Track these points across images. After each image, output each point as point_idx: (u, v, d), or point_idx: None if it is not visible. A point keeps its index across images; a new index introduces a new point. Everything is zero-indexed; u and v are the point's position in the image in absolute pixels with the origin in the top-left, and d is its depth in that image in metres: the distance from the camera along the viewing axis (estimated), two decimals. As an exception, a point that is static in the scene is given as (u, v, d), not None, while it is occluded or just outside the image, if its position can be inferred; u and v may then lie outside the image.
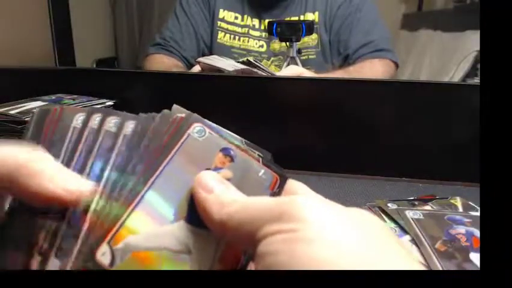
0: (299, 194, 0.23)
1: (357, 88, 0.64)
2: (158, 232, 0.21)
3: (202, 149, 0.23)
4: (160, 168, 0.22)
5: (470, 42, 1.37)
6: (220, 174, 0.22)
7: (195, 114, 0.23)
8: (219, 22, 1.05)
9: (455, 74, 1.35)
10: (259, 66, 0.76)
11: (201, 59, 0.84)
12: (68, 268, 0.20)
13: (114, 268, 0.19)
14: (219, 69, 0.77)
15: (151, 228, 0.21)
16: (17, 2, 1.08)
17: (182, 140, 0.23)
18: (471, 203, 0.50)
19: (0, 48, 0.96)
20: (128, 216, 0.21)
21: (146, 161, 0.22)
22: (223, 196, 0.20)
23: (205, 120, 0.23)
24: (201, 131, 0.23)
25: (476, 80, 1.25)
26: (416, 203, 0.50)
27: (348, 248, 0.16)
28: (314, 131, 0.63)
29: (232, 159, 0.23)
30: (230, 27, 1.05)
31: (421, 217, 0.45)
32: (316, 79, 0.74)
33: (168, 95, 0.65)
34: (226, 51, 1.05)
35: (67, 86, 0.66)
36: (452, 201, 0.51)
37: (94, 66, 1.57)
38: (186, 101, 0.69)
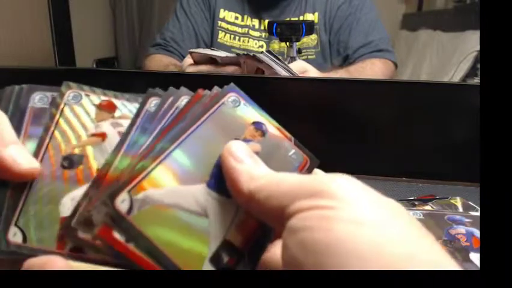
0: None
1: (357, 88, 0.64)
2: (180, 190, 0.21)
3: (234, 119, 0.23)
4: (190, 131, 0.22)
5: (470, 42, 1.37)
6: (249, 145, 0.22)
7: (233, 84, 0.24)
8: (219, 22, 1.06)
9: (455, 74, 1.35)
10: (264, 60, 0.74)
11: (192, 50, 0.83)
12: (84, 212, 0.20)
13: (131, 217, 0.20)
14: (210, 57, 0.77)
15: (173, 185, 0.21)
16: (17, 2, 1.08)
17: (216, 107, 0.23)
18: (471, 203, 0.50)
19: (0, 48, 0.96)
20: (153, 169, 0.21)
21: (176, 123, 0.22)
22: (253, 168, 0.20)
23: (242, 92, 0.24)
24: (236, 101, 0.24)
25: (476, 80, 1.25)
26: (416, 203, 0.50)
27: (391, 234, 0.16)
28: (314, 131, 0.63)
29: (263, 134, 0.23)
30: (230, 27, 1.06)
31: (421, 217, 0.45)
32: (316, 79, 0.74)
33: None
34: (226, 51, 1.05)
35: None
36: (452, 201, 0.51)
37: (94, 66, 1.57)
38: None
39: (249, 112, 0.23)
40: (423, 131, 0.62)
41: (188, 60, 0.85)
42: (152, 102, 0.24)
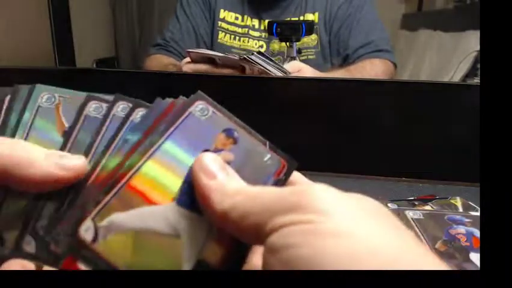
0: (301, 184, 0.22)
1: (357, 88, 0.64)
2: (147, 212, 0.20)
3: (203, 128, 0.22)
4: (157, 144, 0.21)
5: (470, 42, 1.37)
6: (220, 156, 0.21)
7: (200, 92, 0.22)
8: (219, 22, 1.06)
9: (455, 74, 1.35)
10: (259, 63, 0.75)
11: (190, 49, 0.83)
12: (52, 247, 0.19)
13: (96, 246, 0.19)
14: (209, 57, 0.77)
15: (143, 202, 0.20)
16: (17, 2, 1.08)
17: (182, 118, 0.22)
18: (471, 203, 0.50)
19: (0, 48, 0.96)
20: (120, 188, 0.20)
21: (144, 136, 0.21)
22: (226, 184, 0.19)
23: (210, 99, 0.22)
24: (204, 110, 0.22)
25: (476, 80, 1.25)
26: (416, 203, 0.50)
27: (371, 243, 0.16)
28: (314, 131, 0.63)
29: (235, 141, 0.22)
30: (230, 27, 1.06)
31: (421, 217, 0.45)
32: (316, 79, 0.74)
33: (168, 95, 0.65)
34: (226, 51, 1.05)
35: (67, 86, 0.66)
36: (452, 201, 0.51)
37: (94, 66, 1.57)
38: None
39: (219, 119, 0.22)
40: (423, 131, 0.62)
41: (186, 59, 0.85)
42: (120, 107, 0.23)
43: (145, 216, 0.20)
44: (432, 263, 0.15)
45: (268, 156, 0.22)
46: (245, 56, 0.72)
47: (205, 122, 0.22)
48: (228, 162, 0.21)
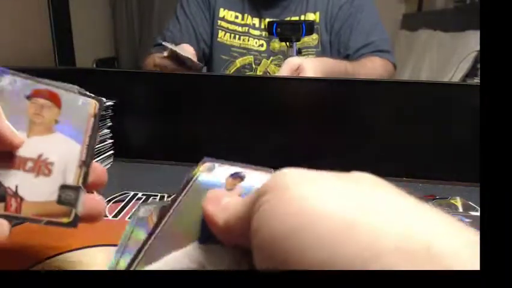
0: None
1: (357, 88, 0.64)
2: (175, 256, 0.21)
3: (212, 184, 0.23)
4: (172, 208, 0.23)
5: (470, 42, 1.37)
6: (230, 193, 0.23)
7: (206, 158, 0.24)
8: (219, 21, 1.06)
9: (455, 74, 1.35)
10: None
11: (166, 43, 0.84)
12: None
13: None
14: (181, 57, 0.77)
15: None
16: (17, 2, 1.08)
17: (191, 183, 0.23)
18: (471, 203, 0.50)
19: (0, 48, 0.96)
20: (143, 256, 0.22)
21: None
22: (227, 203, 0.21)
23: (214, 159, 0.24)
24: (211, 168, 0.24)
25: (476, 80, 1.25)
26: (416, 203, 0.50)
27: (323, 198, 0.16)
28: (314, 131, 0.63)
29: (242, 179, 0.24)
30: (230, 26, 1.06)
31: (421, 217, 0.45)
32: (316, 79, 0.74)
33: (168, 94, 0.65)
34: (226, 50, 1.06)
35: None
36: (452, 201, 0.51)
37: (94, 66, 1.57)
38: (187, 101, 0.69)
39: (226, 169, 0.24)
40: (423, 131, 0.62)
41: (165, 53, 0.85)
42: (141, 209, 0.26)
43: (173, 261, 0.21)
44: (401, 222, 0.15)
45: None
46: (248, 74, 0.72)
47: (214, 177, 0.24)
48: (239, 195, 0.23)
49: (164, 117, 0.65)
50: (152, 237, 0.22)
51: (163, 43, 0.82)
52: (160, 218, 0.22)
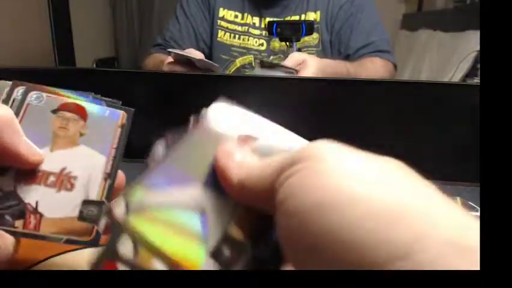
0: None
1: (357, 88, 0.64)
2: (176, 191, 0.21)
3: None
4: (184, 138, 0.23)
5: (470, 42, 1.37)
6: (246, 143, 0.22)
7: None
8: (218, 21, 1.06)
9: (455, 74, 1.35)
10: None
11: (171, 49, 0.84)
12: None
13: (127, 218, 0.20)
14: (188, 60, 0.77)
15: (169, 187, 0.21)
16: (17, 2, 1.08)
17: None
18: (471, 203, 0.50)
19: (0, 48, 0.96)
20: (146, 177, 0.21)
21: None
22: (243, 160, 0.21)
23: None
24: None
25: (476, 80, 1.25)
26: (416, 203, 0.50)
27: (365, 178, 0.15)
28: (313, 131, 0.63)
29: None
30: (230, 25, 1.05)
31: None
32: (316, 79, 0.74)
33: (168, 94, 0.65)
34: (226, 50, 1.06)
35: (67, 86, 0.66)
36: (452, 201, 0.51)
37: (94, 66, 1.57)
38: (187, 100, 0.69)
39: (241, 116, 0.24)
40: (423, 131, 0.62)
41: (169, 59, 0.85)
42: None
43: (174, 196, 0.21)
44: (445, 215, 0.15)
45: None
46: (248, 74, 0.72)
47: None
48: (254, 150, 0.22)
49: (164, 117, 0.65)
50: (158, 164, 0.22)
51: (171, 51, 0.82)
52: (169, 148, 0.22)
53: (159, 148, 0.25)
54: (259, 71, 0.74)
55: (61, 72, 0.79)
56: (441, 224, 0.14)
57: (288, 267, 0.21)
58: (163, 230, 0.20)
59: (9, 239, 0.24)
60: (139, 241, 0.20)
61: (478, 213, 0.47)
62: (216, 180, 0.21)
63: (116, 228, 0.20)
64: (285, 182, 0.17)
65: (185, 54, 0.79)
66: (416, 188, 0.16)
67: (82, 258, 0.35)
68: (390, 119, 0.63)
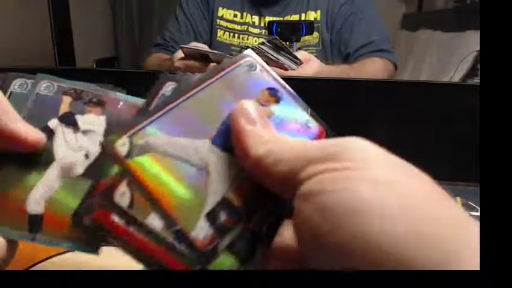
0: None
1: (357, 88, 0.64)
2: (182, 142, 0.20)
3: (249, 81, 0.22)
4: (199, 87, 0.21)
5: (470, 42, 1.36)
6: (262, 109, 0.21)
7: (251, 50, 0.23)
8: (218, 20, 1.06)
9: (455, 74, 1.34)
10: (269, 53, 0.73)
11: (184, 46, 0.83)
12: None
13: (129, 161, 0.19)
14: (201, 54, 0.76)
15: (175, 136, 0.20)
16: (17, 2, 1.08)
17: (229, 69, 0.22)
18: (471, 203, 0.50)
19: (0, 48, 0.96)
20: (158, 117, 0.20)
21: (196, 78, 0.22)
22: (263, 132, 0.19)
23: (260, 59, 0.23)
24: (252, 66, 0.23)
25: (476, 80, 1.25)
26: (416, 203, 0.50)
27: (416, 196, 0.16)
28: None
29: (278, 100, 0.23)
30: (229, 25, 1.05)
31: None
32: (316, 79, 0.74)
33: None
34: (225, 49, 1.05)
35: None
36: (452, 201, 0.51)
37: (94, 66, 1.57)
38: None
39: (266, 77, 0.23)
40: (423, 131, 0.62)
41: (179, 54, 0.85)
42: (169, 87, 0.24)
43: (180, 145, 0.20)
44: (472, 225, 0.15)
45: (309, 119, 0.23)
46: (254, 46, 0.71)
47: (251, 76, 0.22)
48: (269, 117, 0.21)
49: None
50: (169, 106, 0.21)
51: (183, 47, 0.82)
52: (184, 92, 0.21)
53: (168, 87, 0.24)
54: (264, 47, 0.72)
55: (61, 72, 0.78)
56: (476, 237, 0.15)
57: (276, 248, 0.21)
58: (164, 179, 0.19)
59: (1, 242, 0.24)
60: (137, 188, 0.19)
61: (478, 213, 0.47)
62: (227, 140, 0.20)
63: (116, 174, 0.19)
64: (315, 176, 0.17)
65: (199, 48, 0.78)
66: (452, 208, 0.16)
67: (82, 258, 0.35)
68: (390, 119, 0.63)
